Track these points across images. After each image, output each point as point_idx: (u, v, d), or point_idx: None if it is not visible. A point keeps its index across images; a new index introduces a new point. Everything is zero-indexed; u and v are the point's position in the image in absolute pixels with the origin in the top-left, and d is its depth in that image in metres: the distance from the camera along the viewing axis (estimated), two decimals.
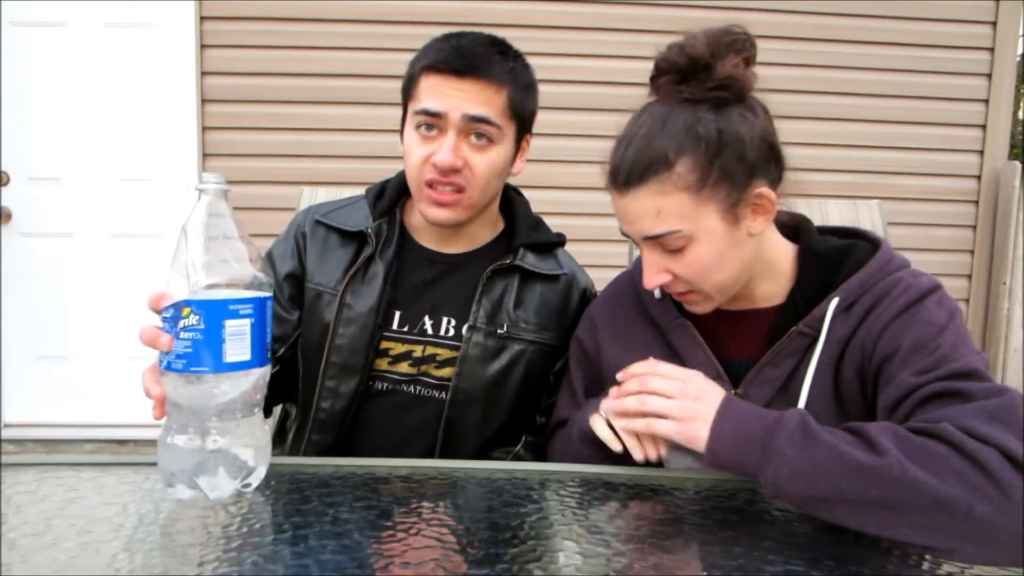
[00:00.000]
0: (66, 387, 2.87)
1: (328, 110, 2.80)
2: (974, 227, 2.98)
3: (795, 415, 0.68)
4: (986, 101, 2.93)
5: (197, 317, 0.64)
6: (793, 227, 0.91)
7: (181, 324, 0.65)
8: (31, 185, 2.82)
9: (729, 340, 0.88)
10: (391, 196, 1.09)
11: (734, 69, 0.77)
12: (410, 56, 1.01)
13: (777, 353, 0.82)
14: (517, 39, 1.04)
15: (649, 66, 0.83)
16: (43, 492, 0.68)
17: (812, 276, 0.85)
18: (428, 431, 1.03)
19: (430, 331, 1.04)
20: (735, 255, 0.81)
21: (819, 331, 0.80)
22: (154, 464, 0.71)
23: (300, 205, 1.27)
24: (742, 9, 2.75)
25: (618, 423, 0.79)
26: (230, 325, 0.66)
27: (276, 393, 1.06)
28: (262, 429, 0.73)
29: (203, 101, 2.78)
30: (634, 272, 0.98)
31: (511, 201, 1.14)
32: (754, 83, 0.80)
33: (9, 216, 2.81)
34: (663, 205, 0.77)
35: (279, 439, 1.13)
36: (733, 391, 0.84)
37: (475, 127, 0.95)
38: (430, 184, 0.97)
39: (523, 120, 1.02)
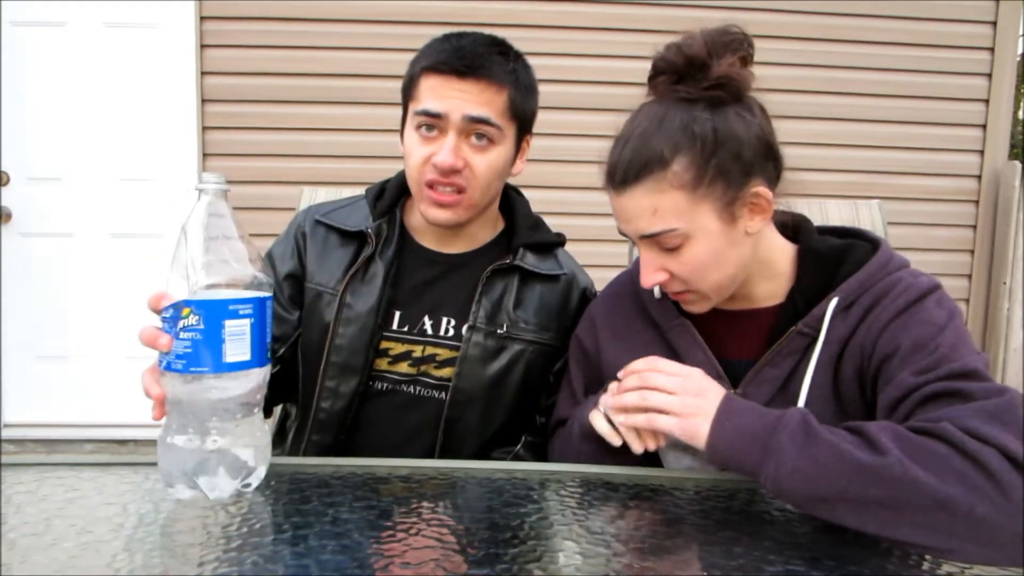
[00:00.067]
0: (66, 387, 2.87)
1: (328, 110, 2.80)
2: (974, 227, 2.98)
3: (796, 413, 0.68)
4: (986, 101, 2.93)
5: (197, 317, 0.64)
6: (793, 227, 0.91)
7: (181, 324, 0.64)
8: (31, 185, 2.82)
9: (728, 340, 0.88)
10: (391, 196, 1.09)
11: (730, 68, 0.77)
12: (410, 56, 1.01)
13: (776, 353, 0.82)
14: (517, 39, 1.04)
15: (648, 66, 0.83)
16: (43, 492, 0.68)
17: (811, 276, 0.85)
18: (428, 431, 1.03)
19: (430, 331, 1.04)
20: (732, 254, 0.81)
21: (818, 331, 0.80)
22: (154, 464, 0.71)
23: (300, 205, 1.27)
24: (742, 9, 2.75)
25: (618, 418, 0.79)
26: (230, 325, 0.66)
27: (276, 393, 1.06)
28: (262, 429, 0.73)
29: (203, 101, 2.78)
30: (634, 272, 0.98)
31: (511, 201, 1.14)
32: (751, 82, 0.80)
33: (9, 216, 2.81)
34: (659, 203, 0.78)
35: (279, 439, 1.13)
36: (733, 391, 0.84)
37: (476, 128, 0.95)
38: (430, 185, 0.97)
39: (523, 121, 1.02)
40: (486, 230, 1.10)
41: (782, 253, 0.88)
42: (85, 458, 0.77)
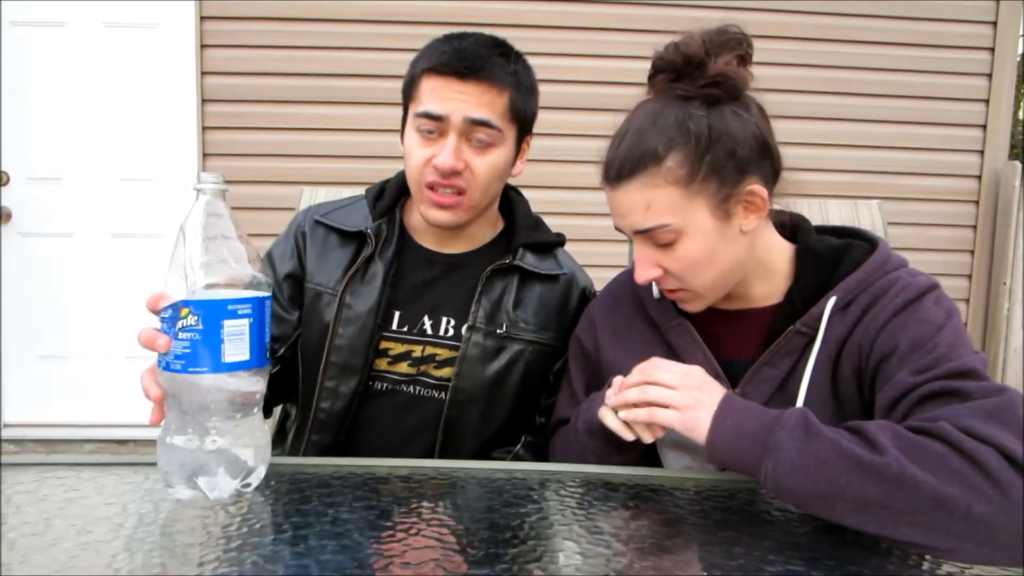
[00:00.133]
0: (66, 387, 2.87)
1: (328, 110, 2.80)
2: (974, 227, 2.98)
3: (796, 412, 0.68)
4: (986, 101, 2.93)
5: (196, 317, 0.64)
6: (791, 227, 0.91)
7: (180, 324, 0.64)
8: (31, 185, 2.82)
9: (727, 340, 0.88)
10: (391, 196, 1.09)
11: (726, 67, 0.77)
12: (410, 56, 1.01)
13: (775, 353, 0.82)
14: (517, 39, 1.04)
15: (647, 66, 0.83)
16: (43, 492, 0.68)
17: (809, 276, 0.85)
18: (428, 431, 1.03)
19: (429, 331, 1.04)
20: (726, 252, 0.81)
21: (816, 330, 0.80)
22: (154, 464, 0.71)
23: (300, 205, 1.27)
24: (742, 9, 2.75)
25: (620, 414, 0.80)
26: (229, 325, 0.65)
27: (276, 393, 1.06)
28: (262, 429, 0.73)
29: (203, 101, 2.78)
30: (633, 272, 0.98)
31: (511, 201, 1.14)
32: (749, 82, 0.80)
33: (9, 216, 2.81)
34: (653, 199, 0.78)
35: (279, 439, 1.13)
36: (732, 391, 0.83)
37: (476, 130, 0.95)
38: (431, 186, 0.97)
39: (524, 122, 1.02)
40: (486, 230, 1.10)
41: (780, 253, 0.88)
42: (85, 458, 0.77)
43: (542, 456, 1.05)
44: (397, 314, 1.04)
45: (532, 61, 1.04)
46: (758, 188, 0.79)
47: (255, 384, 0.70)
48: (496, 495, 0.71)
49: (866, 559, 0.60)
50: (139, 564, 0.54)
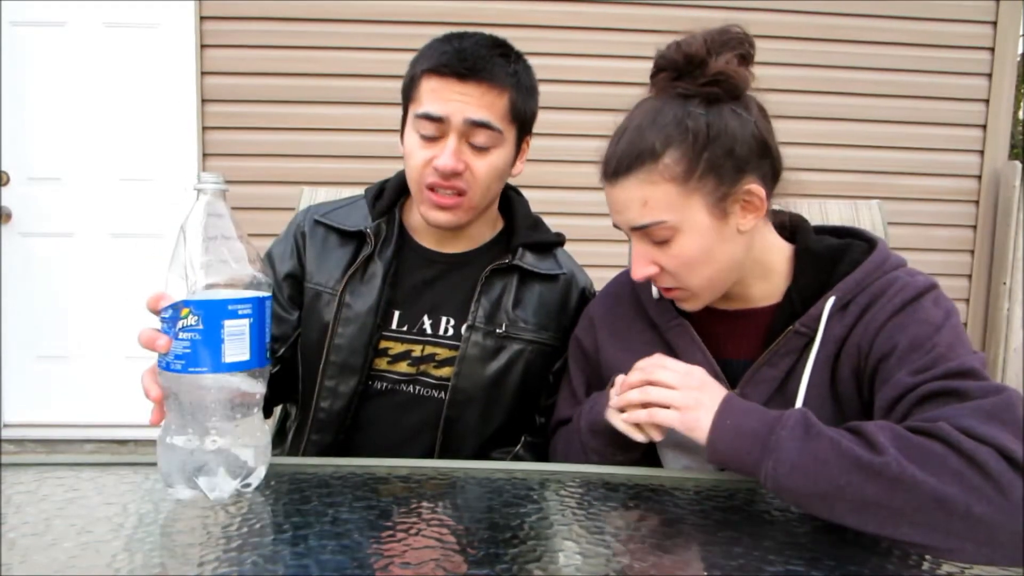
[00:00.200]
0: (66, 387, 2.87)
1: (328, 110, 2.80)
2: (974, 227, 2.98)
3: (797, 412, 0.68)
4: (986, 101, 2.93)
5: (196, 317, 0.64)
6: (790, 227, 0.91)
7: (180, 325, 0.64)
8: (31, 185, 2.82)
9: (726, 340, 0.88)
10: (390, 196, 1.09)
11: (727, 66, 0.77)
12: (410, 56, 1.01)
13: (774, 353, 0.82)
14: (517, 39, 1.04)
15: (649, 66, 0.83)
16: (43, 492, 0.68)
17: (808, 276, 0.85)
18: (427, 431, 1.03)
19: (429, 331, 1.04)
20: (722, 251, 0.81)
21: (815, 330, 0.80)
22: (154, 464, 0.71)
23: (300, 205, 1.27)
24: (743, 9, 2.75)
25: (621, 415, 0.80)
26: (229, 325, 0.65)
27: (276, 393, 1.06)
28: (262, 429, 0.73)
29: (203, 101, 2.78)
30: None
31: (510, 201, 1.14)
32: (750, 81, 0.80)
33: (9, 216, 2.81)
34: (649, 195, 0.78)
35: (279, 439, 1.13)
36: (731, 391, 0.84)
37: (477, 131, 0.95)
38: (431, 187, 0.97)
39: (524, 122, 1.02)
40: (485, 230, 1.10)
41: (778, 253, 0.88)
42: (85, 458, 0.77)
43: (542, 456, 1.05)
44: (397, 313, 1.04)
45: (532, 61, 1.04)
46: (756, 188, 0.79)
47: (255, 384, 0.70)
48: (496, 495, 0.71)
49: (866, 559, 0.60)
50: (139, 564, 0.54)
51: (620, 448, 0.83)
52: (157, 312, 0.67)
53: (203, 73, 2.77)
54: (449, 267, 1.07)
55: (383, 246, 1.05)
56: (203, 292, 0.65)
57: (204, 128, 2.79)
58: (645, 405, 0.77)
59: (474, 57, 0.94)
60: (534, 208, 1.16)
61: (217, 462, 0.67)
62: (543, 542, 0.60)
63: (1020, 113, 5.63)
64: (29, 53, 2.77)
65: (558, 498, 0.71)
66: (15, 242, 2.83)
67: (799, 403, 0.79)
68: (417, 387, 1.04)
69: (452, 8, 2.76)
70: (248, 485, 0.69)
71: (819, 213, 1.28)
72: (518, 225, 1.11)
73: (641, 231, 0.81)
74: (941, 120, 2.93)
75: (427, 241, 1.08)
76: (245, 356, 0.67)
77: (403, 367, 1.04)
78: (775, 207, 0.88)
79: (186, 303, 0.64)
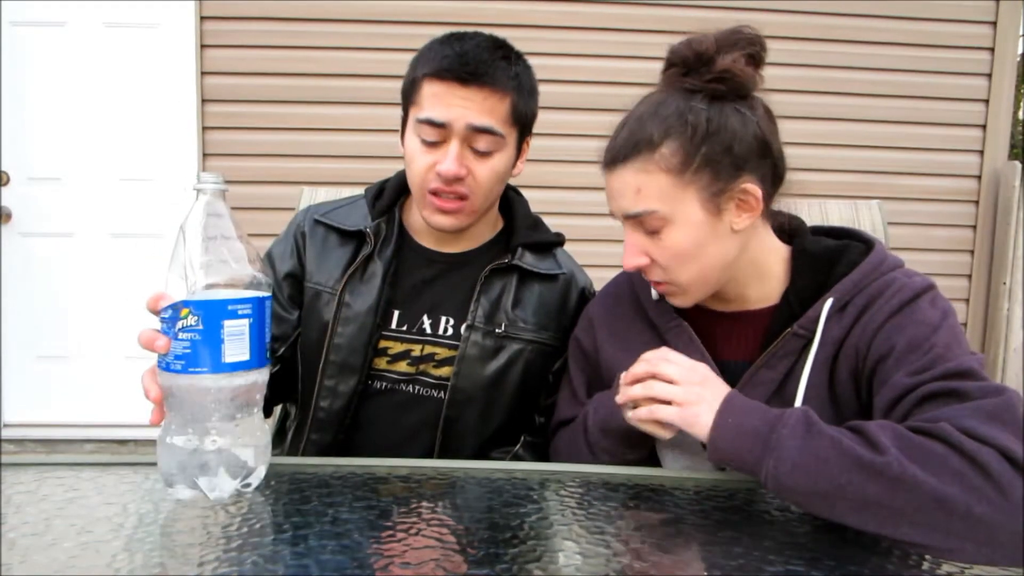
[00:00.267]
0: (66, 387, 2.87)
1: (328, 110, 2.80)
2: (974, 227, 2.98)
3: (798, 411, 0.68)
4: (986, 101, 2.93)
5: (196, 318, 0.64)
6: (787, 229, 0.91)
7: (179, 325, 0.64)
8: (31, 185, 2.82)
9: (724, 342, 0.88)
10: (390, 196, 1.09)
11: (733, 64, 0.77)
12: (410, 56, 1.00)
13: (772, 355, 0.82)
14: (517, 39, 1.04)
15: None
16: (43, 492, 0.68)
17: (805, 277, 0.85)
18: (427, 431, 1.03)
19: (429, 330, 1.05)
20: (714, 248, 0.81)
21: (814, 332, 0.80)
22: (154, 464, 0.71)
23: (300, 205, 1.27)
24: (744, 9, 2.75)
25: (627, 413, 0.80)
26: (229, 325, 0.65)
27: (276, 393, 1.06)
28: (262, 429, 0.73)
29: (203, 101, 2.78)
30: (632, 273, 0.98)
31: (510, 201, 1.14)
32: (757, 82, 0.80)
33: (9, 216, 2.81)
34: (644, 183, 0.79)
35: (279, 439, 1.13)
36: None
37: (478, 137, 0.95)
38: (434, 192, 0.97)
39: (525, 124, 1.02)
40: (485, 230, 1.10)
41: (776, 255, 0.88)
42: (85, 458, 0.77)
43: (542, 456, 1.05)
44: (396, 313, 1.04)
45: (532, 61, 1.04)
46: (752, 187, 0.79)
47: (255, 384, 0.70)
48: (496, 495, 0.71)
49: (866, 559, 0.60)
50: (139, 564, 0.54)
51: (631, 446, 0.84)
52: (157, 312, 0.67)
53: (203, 73, 2.77)
54: (449, 267, 1.07)
55: (383, 246, 1.05)
56: (203, 292, 0.65)
57: (204, 128, 2.78)
58: (647, 400, 0.77)
59: (476, 61, 0.93)
60: (534, 208, 1.16)
61: (217, 462, 0.67)
62: (543, 542, 0.60)
63: (1020, 113, 5.63)
64: (29, 53, 2.77)
65: (558, 498, 0.71)
66: (15, 242, 2.83)
67: (798, 405, 0.79)
68: (416, 387, 1.04)
69: (452, 8, 2.76)
70: (248, 485, 0.69)
71: (819, 213, 1.28)
72: (518, 225, 1.11)
73: (634, 219, 0.81)
74: (941, 120, 2.93)
75: (427, 241, 1.08)
76: (245, 356, 0.67)
77: (402, 367, 1.04)
78: (775, 208, 0.88)
79: (186, 303, 0.64)
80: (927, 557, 0.61)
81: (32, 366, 2.87)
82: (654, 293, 0.92)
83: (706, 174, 0.77)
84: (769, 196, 0.82)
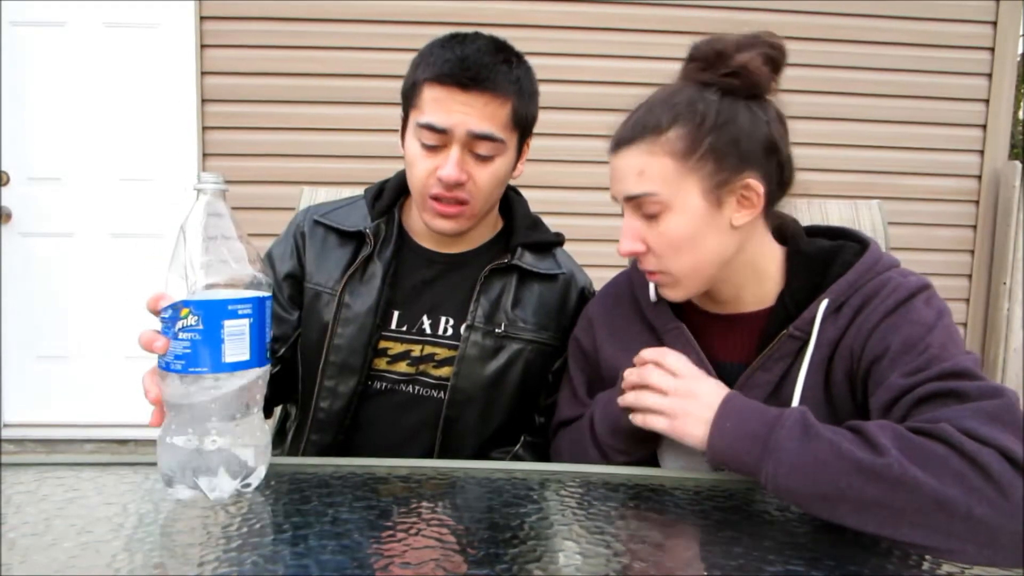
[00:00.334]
0: (66, 387, 2.87)
1: (328, 110, 2.80)
2: (974, 227, 2.98)
3: (795, 412, 0.68)
4: (986, 101, 2.93)
5: (196, 317, 0.64)
6: (782, 230, 0.91)
7: (179, 325, 0.64)
8: (31, 185, 2.82)
9: (721, 344, 0.88)
10: (389, 196, 1.09)
11: (749, 61, 0.78)
12: (410, 56, 1.00)
13: (768, 357, 0.82)
14: (517, 39, 1.04)
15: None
16: (43, 492, 0.68)
17: (801, 279, 0.85)
18: (427, 431, 1.03)
19: (428, 331, 1.04)
20: (711, 241, 0.81)
21: (809, 334, 0.80)
22: (154, 464, 0.71)
23: (300, 205, 1.27)
24: (745, 9, 2.74)
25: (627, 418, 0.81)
26: (229, 325, 0.65)
27: (276, 393, 1.06)
28: (262, 429, 0.73)
29: (203, 101, 2.78)
30: (631, 274, 0.98)
31: (509, 201, 1.14)
32: (770, 84, 0.81)
33: (9, 216, 2.81)
34: (647, 165, 0.79)
35: (279, 439, 1.13)
36: None
37: (480, 142, 0.95)
38: (435, 197, 0.97)
39: (525, 127, 1.02)
40: (485, 230, 1.10)
41: (771, 256, 0.87)
42: (85, 458, 0.77)
43: (542, 456, 1.05)
44: (396, 314, 1.04)
45: (533, 61, 1.03)
46: (755, 183, 0.79)
47: (255, 384, 0.70)
48: (496, 495, 0.71)
49: (866, 559, 0.60)
50: (139, 564, 0.54)
51: (644, 441, 0.85)
52: (157, 313, 0.67)
53: (203, 73, 2.77)
54: (448, 267, 1.07)
55: (382, 246, 1.05)
56: (203, 292, 0.65)
57: (204, 128, 2.78)
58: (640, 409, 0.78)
59: (477, 66, 0.93)
60: (534, 208, 1.16)
61: (217, 462, 0.67)
62: (543, 542, 0.60)
63: (1020, 113, 5.63)
64: (29, 53, 2.77)
65: (558, 498, 0.71)
66: (15, 242, 2.83)
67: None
68: (416, 387, 1.04)
69: (452, 8, 2.76)
70: (248, 485, 0.69)
71: (819, 213, 1.28)
72: (517, 225, 1.11)
73: (633, 201, 0.81)
74: (941, 120, 2.93)
75: (426, 241, 1.08)
76: (245, 356, 0.67)
77: (402, 367, 1.04)
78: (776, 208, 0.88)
79: (186, 303, 0.64)
80: (927, 557, 0.61)
81: (32, 366, 2.87)
82: (652, 295, 0.92)
83: (710, 163, 0.78)
84: (772, 197, 0.82)
